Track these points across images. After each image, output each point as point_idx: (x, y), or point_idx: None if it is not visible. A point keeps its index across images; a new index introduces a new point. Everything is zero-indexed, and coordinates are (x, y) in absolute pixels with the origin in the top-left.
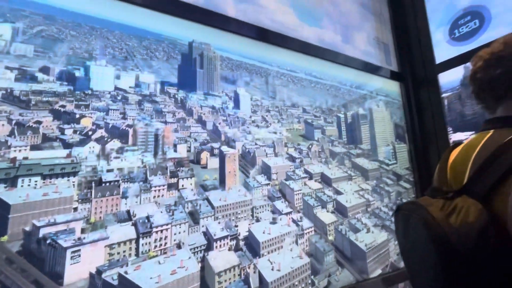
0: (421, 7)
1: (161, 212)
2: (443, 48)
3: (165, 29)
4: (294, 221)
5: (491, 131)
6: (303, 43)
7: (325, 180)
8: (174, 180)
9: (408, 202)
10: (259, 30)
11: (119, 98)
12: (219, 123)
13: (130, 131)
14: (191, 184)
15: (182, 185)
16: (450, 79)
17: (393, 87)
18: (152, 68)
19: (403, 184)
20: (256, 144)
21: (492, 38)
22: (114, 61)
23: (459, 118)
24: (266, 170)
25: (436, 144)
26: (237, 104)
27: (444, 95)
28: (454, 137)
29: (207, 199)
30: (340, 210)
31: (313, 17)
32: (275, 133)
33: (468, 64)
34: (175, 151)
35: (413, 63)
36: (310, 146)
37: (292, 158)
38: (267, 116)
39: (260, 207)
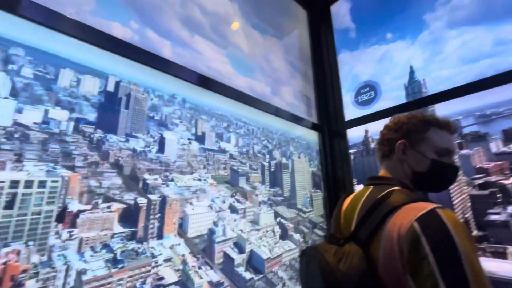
0: (335, 74)
1: None
2: (350, 109)
3: (89, 60)
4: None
5: (371, 187)
6: (237, 91)
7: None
8: None
9: (310, 247)
10: (195, 75)
11: (16, 135)
12: (139, 168)
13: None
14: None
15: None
16: (355, 135)
17: (313, 136)
18: (67, 103)
19: (317, 232)
20: (179, 192)
21: (381, 107)
22: (14, 91)
23: (361, 171)
24: (185, 221)
25: (345, 192)
26: (161, 148)
27: (351, 150)
28: (358, 187)
29: None
30: (255, 266)
31: (246, 68)
32: (199, 180)
33: (369, 126)
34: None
35: (329, 117)
36: (234, 194)
37: (217, 207)
38: (193, 161)
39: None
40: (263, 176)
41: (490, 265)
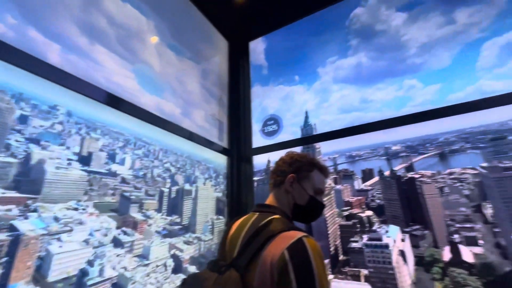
0: (248, 103)
1: None
2: (258, 137)
3: None
4: None
5: (257, 214)
6: (140, 109)
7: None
8: None
9: (191, 275)
10: (90, 86)
11: None
12: None
13: None
14: None
15: None
16: (259, 161)
17: (222, 160)
18: None
19: None
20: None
21: (282, 139)
22: None
23: (261, 198)
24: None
25: None
26: (25, 170)
27: (255, 178)
28: None
29: None
30: None
31: (155, 87)
32: (75, 209)
33: (271, 155)
34: None
35: (238, 143)
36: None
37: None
38: (69, 186)
39: None
40: (160, 203)
41: (349, 287)
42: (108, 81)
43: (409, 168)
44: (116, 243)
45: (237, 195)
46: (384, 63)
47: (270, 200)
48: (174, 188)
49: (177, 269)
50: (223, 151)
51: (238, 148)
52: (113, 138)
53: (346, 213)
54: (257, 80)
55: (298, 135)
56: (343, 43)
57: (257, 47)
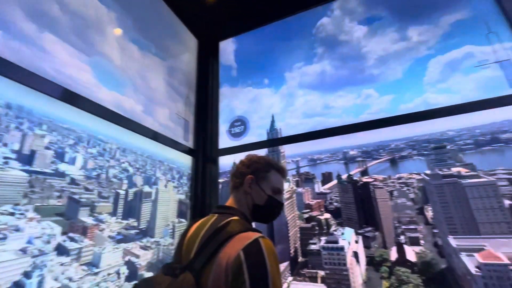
0: (216, 103)
1: None
2: (225, 138)
3: None
4: None
5: (216, 215)
6: (96, 104)
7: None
8: None
9: (143, 280)
10: (34, 76)
11: None
12: None
13: None
14: None
15: None
16: (225, 162)
17: (186, 161)
18: None
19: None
20: None
21: (249, 141)
22: None
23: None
24: None
25: None
26: None
27: (220, 180)
28: None
29: None
30: None
31: (114, 82)
32: (12, 214)
33: (236, 157)
34: None
35: (205, 143)
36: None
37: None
38: (5, 188)
39: None
40: (115, 206)
41: None
42: (58, 72)
43: (364, 172)
44: (61, 250)
45: (202, 197)
46: (346, 72)
47: (229, 202)
48: (132, 190)
49: (131, 277)
50: (188, 151)
51: (204, 149)
52: (62, 135)
53: (306, 215)
54: (226, 80)
55: (264, 137)
56: (310, 50)
57: (227, 48)
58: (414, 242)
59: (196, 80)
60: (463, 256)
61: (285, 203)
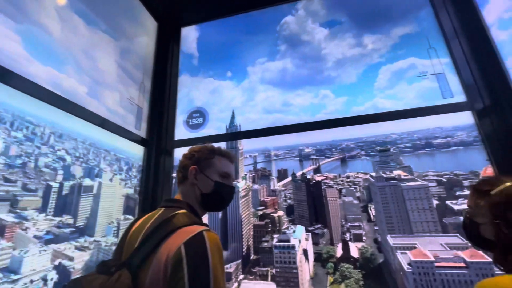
0: (174, 92)
1: None
2: (181, 129)
3: None
4: None
5: (163, 209)
6: (27, 81)
7: None
8: None
9: (73, 280)
10: None
11: None
12: None
13: None
14: None
15: None
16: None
17: (137, 151)
18: None
19: None
20: None
21: (208, 133)
22: None
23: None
24: None
25: None
26: None
27: (174, 173)
28: None
29: None
30: None
31: (51, 56)
32: None
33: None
34: None
35: (160, 133)
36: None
37: None
38: None
39: None
40: (45, 201)
41: (258, 287)
42: None
43: (317, 170)
44: None
45: (153, 192)
46: (306, 72)
47: (177, 195)
48: (69, 183)
49: (63, 283)
50: (140, 141)
51: (159, 139)
52: None
53: (260, 213)
54: (186, 69)
55: (223, 130)
56: (273, 46)
57: (190, 35)
58: (357, 238)
59: (153, 66)
60: (398, 254)
61: (241, 201)
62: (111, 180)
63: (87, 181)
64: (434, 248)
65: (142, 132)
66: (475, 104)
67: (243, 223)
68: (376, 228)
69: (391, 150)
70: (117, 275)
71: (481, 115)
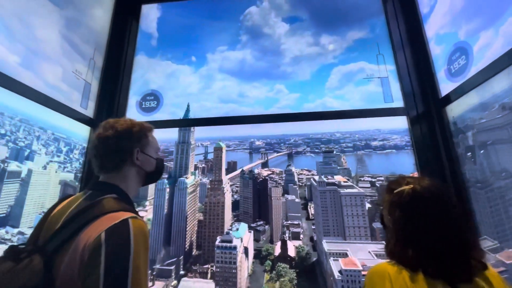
0: (128, 71)
1: None
2: (134, 112)
3: None
4: None
5: (90, 192)
6: None
7: None
8: None
9: None
10: None
11: None
12: None
13: None
14: None
15: None
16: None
17: (81, 131)
18: None
19: None
20: None
21: (161, 118)
22: None
23: None
24: None
25: None
26: None
27: None
28: None
29: None
30: None
31: None
32: None
33: None
34: None
35: (109, 114)
36: None
37: None
38: None
39: None
40: None
41: (197, 285)
42: None
43: (265, 164)
44: None
45: (96, 178)
46: (264, 65)
47: (109, 177)
48: None
49: None
50: (87, 121)
51: (107, 117)
52: None
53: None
54: (144, 49)
55: (176, 116)
56: (235, 36)
57: (151, 13)
58: (295, 237)
59: (108, 41)
60: (331, 260)
61: (188, 197)
62: (46, 166)
63: (13, 165)
64: (363, 255)
65: (89, 111)
66: (410, 110)
67: (188, 219)
68: (313, 227)
69: (334, 152)
70: (26, 262)
71: (414, 121)
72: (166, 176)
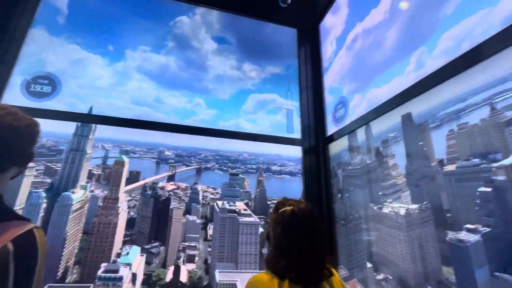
0: (18, 44)
1: None
2: (16, 93)
3: None
4: None
5: None
6: None
7: None
8: None
9: None
10: None
11: None
12: None
13: None
14: None
15: None
16: None
17: None
18: None
19: None
20: None
21: (54, 107)
22: None
23: None
24: None
25: None
26: None
27: None
28: None
29: None
30: None
31: None
32: None
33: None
34: None
35: None
36: None
37: None
38: None
39: None
40: None
41: None
42: None
43: (171, 177)
44: None
45: None
46: (187, 76)
47: None
48: None
49: None
50: None
51: None
52: None
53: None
54: (45, 23)
55: (76, 109)
56: (160, 39)
57: None
58: (190, 259)
59: None
60: None
61: (71, 216)
62: None
63: None
64: None
65: None
66: (304, 142)
67: (67, 241)
68: (209, 249)
69: (239, 176)
70: None
71: (305, 152)
72: (46, 187)
